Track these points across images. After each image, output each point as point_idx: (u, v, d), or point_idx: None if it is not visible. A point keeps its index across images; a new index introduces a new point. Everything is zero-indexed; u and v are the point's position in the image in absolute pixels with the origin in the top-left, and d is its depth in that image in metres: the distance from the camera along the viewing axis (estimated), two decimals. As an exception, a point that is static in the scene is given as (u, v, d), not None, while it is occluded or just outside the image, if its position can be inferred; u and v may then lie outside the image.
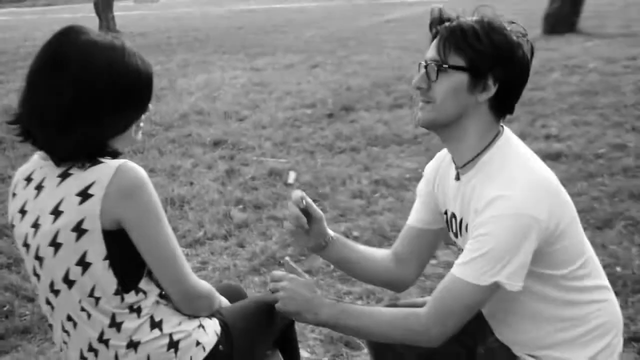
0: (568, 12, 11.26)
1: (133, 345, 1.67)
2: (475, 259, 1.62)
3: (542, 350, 1.79)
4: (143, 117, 1.75)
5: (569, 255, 1.71)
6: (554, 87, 7.32)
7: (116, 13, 18.11)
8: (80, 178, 1.60)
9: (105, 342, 1.67)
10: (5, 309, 3.43)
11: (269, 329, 2.02)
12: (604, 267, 1.89)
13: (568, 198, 1.73)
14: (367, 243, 3.64)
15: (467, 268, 1.63)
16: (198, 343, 1.76)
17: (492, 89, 1.68)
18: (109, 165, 1.60)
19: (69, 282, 1.63)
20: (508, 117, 1.78)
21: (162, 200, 5.07)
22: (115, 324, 1.66)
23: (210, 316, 1.87)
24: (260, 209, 4.63)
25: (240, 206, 4.70)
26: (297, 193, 1.87)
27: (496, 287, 1.62)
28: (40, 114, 1.62)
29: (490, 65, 1.66)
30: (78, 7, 30.12)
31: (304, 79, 9.01)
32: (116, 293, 1.63)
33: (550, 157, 5.02)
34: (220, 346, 1.81)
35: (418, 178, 4.31)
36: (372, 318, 1.77)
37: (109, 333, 1.66)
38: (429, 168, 2.02)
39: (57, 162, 1.64)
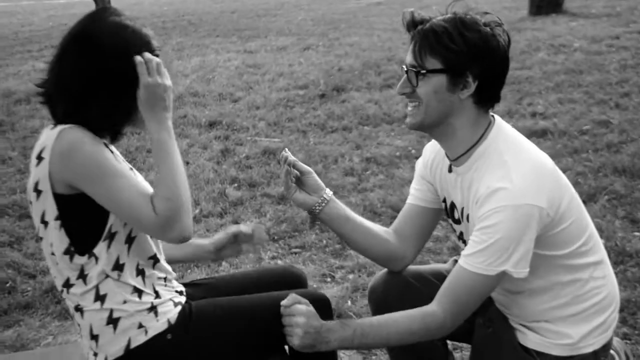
0: (554, -8, 11.15)
1: (79, 310, 1.71)
2: (481, 251, 1.66)
3: (539, 322, 1.83)
4: None
5: (571, 235, 1.75)
6: (540, 66, 7.29)
7: (112, -2, 17.99)
8: (41, 141, 1.66)
9: (66, 300, 1.76)
10: (7, 285, 3.51)
11: (253, 337, 1.85)
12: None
13: (564, 177, 1.78)
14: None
15: (475, 260, 1.67)
16: (141, 326, 1.72)
17: (473, 86, 1.70)
18: (55, 130, 1.63)
19: (40, 238, 1.71)
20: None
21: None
22: (67, 285, 1.70)
23: (176, 303, 1.80)
24: (255, 187, 4.69)
25: (235, 184, 4.76)
26: (283, 153, 1.94)
27: (504, 275, 1.67)
28: (63, 84, 1.67)
29: (467, 63, 1.67)
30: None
31: (296, 61, 8.96)
32: (65, 252, 1.66)
33: (536, 134, 5.08)
34: (169, 335, 1.74)
35: (408, 156, 4.39)
36: (388, 330, 1.75)
37: (64, 293, 1.73)
38: (427, 150, 2.04)
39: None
